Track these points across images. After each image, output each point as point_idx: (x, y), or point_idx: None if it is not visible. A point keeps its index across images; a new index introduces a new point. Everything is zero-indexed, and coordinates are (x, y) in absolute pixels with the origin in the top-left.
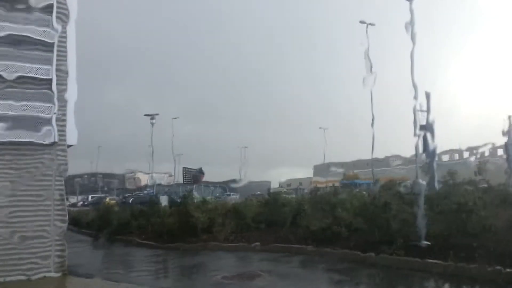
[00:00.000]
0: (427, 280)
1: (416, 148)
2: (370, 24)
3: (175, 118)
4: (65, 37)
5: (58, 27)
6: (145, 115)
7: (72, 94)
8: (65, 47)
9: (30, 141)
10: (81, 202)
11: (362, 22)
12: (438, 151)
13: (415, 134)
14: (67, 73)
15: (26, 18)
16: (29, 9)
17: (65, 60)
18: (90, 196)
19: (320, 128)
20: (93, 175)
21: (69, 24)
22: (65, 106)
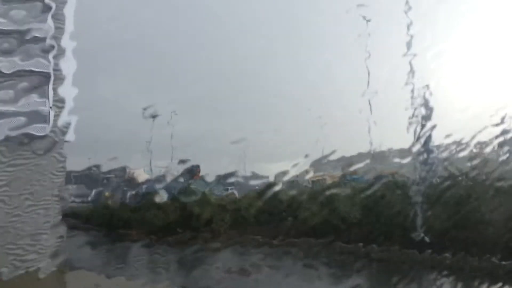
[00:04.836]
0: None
1: (413, 141)
2: (368, 20)
3: (175, 113)
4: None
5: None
6: (143, 108)
7: (69, 89)
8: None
9: (25, 135)
10: (79, 198)
11: (364, 18)
12: (435, 143)
13: (413, 118)
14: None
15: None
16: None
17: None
18: (91, 192)
19: (318, 117)
20: (93, 171)
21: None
22: (63, 101)
